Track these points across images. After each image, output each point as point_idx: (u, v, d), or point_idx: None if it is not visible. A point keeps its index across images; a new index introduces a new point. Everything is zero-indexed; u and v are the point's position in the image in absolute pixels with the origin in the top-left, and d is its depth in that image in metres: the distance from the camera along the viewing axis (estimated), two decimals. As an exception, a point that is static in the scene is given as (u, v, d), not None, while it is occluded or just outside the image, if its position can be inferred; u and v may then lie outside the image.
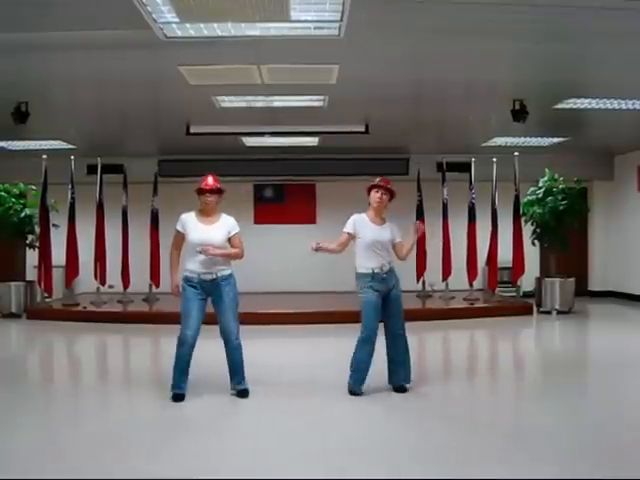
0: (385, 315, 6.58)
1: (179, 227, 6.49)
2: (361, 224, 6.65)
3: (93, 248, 12.95)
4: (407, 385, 6.65)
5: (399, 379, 6.64)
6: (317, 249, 6.61)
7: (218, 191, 6.52)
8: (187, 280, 6.38)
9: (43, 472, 4.41)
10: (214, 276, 6.33)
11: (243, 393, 6.44)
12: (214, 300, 6.40)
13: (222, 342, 6.46)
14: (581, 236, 15.25)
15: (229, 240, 6.46)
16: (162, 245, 13.28)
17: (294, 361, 8.46)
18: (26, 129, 10.23)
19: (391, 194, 6.83)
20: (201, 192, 6.47)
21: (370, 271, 6.49)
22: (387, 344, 6.65)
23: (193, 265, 6.36)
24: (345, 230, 6.67)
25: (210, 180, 6.52)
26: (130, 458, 4.75)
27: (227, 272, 6.40)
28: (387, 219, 6.88)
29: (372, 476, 4.40)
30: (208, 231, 6.37)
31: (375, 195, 6.75)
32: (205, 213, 6.50)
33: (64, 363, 9.40)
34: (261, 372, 7.12)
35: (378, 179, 6.83)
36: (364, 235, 6.58)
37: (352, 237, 6.63)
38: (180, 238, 6.50)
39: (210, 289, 6.35)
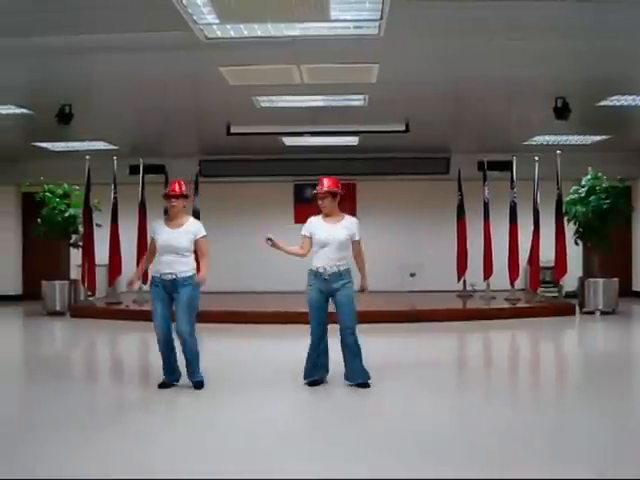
0: (336, 314, 6.71)
1: (151, 234, 6.88)
2: (315, 225, 6.74)
3: (135, 247, 13.08)
4: (364, 382, 6.70)
5: (347, 379, 6.77)
6: (272, 244, 6.70)
7: (183, 196, 6.80)
8: (153, 280, 6.72)
9: (78, 471, 4.47)
10: (174, 276, 6.57)
11: (197, 385, 6.69)
12: (174, 299, 6.65)
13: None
14: (625, 235, 15.01)
15: (195, 243, 6.72)
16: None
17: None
18: (70, 130, 10.41)
19: (332, 195, 6.73)
20: (167, 197, 6.77)
21: (315, 269, 6.65)
22: (340, 341, 6.75)
23: (157, 266, 6.68)
24: (302, 233, 6.81)
25: (176, 186, 6.81)
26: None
27: (188, 274, 6.62)
28: (347, 217, 6.87)
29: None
30: (173, 234, 6.65)
31: (319, 204, 6.76)
32: (172, 217, 6.78)
33: (107, 361, 9.50)
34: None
35: (322, 184, 6.75)
36: (317, 235, 6.67)
37: (310, 239, 6.74)
38: (153, 244, 6.80)
39: (171, 288, 6.60)
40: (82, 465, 4.51)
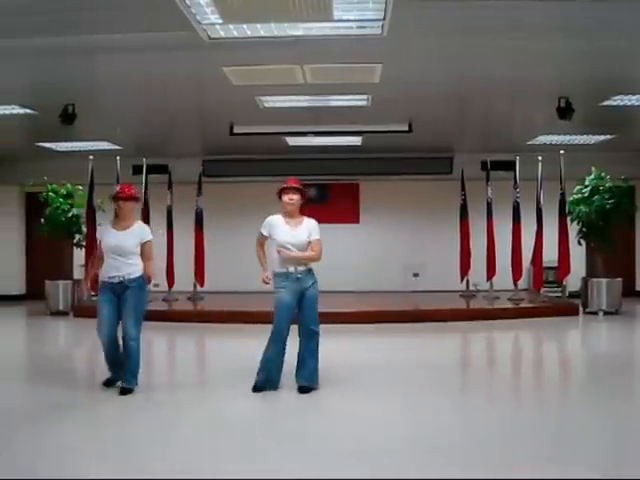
0: (300, 314, 6.63)
1: (98, 236, 6.93)
2: (275, 225, 6.65)
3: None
4: (311, 385, 6.60)
5: (302, 378, 6.63)
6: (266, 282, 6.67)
7: (132, 199, 6.81)
8: (101, 283, 6.70)
9: (83, 471, 4.48)
10: (121, 279, 6.55)
11: (124, 391, 6.52)
12: (120, 302, 6.59)
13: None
14: (628, 235, 14.99)
15: (141, 247, 6.71)
16: (206, 244, 13.43)
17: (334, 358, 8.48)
18: (73, 130, 10.41)
19: (302, 194, 6.74)
20: (116, 199, 6.78)
21: (285, 270, 6.55)
22: (300, 342, 6.68)
23: (105, 269, 6.67)
24: (261, 232, 6.74)
25: (125, 188, 6.84)
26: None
27: (135, 275, 6.61)
28: (306, 219, 6.79)
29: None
30: (119, 236, 6.65)
31: (285, 197, 6.66)
32: (120, 220, 6.79)
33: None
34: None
35: (291, 181, 6.76)
36: (277, 236, 6.59)
37: (266, 238, 6.71)
38: (99, 246, 6.85)
39: (118, 291, 6.57)
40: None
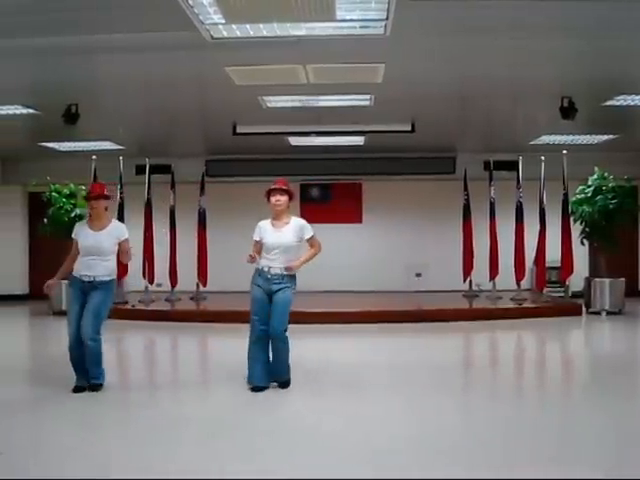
0: (269, 315, 6.63)
1: (74, 235, 6.84)
2: (264, 229, 6.79)
3: (141, 247, 13.10)
4: (279, 380, 6.73)
5: (274, 374, 6.72)
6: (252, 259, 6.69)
7: (104, 197, 6.82)
8: (72, 281, 6.75)
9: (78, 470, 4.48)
10: (92, 279, 6.58)
11: (94, 387, 6.59)
12: (87, 300, 6.58)
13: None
14: (631, 235, 14.97)
15: (118, 246, 6.76)
16: (209, 244, 13.44)
17: (332, 359, 8.48)
18: (76, 130, 10.41)
19: (289, 194, 6.85)
20: (88, 199, 6.90)
21: (260, 267, 6.70)
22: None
23: (77, 266, 6.70)
24: (254, 238, 6.83)
25: (96, 187, 6.93)
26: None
27: (106, 279, 6.65)
28: (293, 219, 6.89)
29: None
30: (96, 236, 6.67)
31: (272, 199, 6.78)
32: (94, 219, 6.81)
33: (112, 360, 9.51)
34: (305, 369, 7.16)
35: (277, 183, 6.87)
36: (265, 239, 6.72)
37: (259, 243, 6.77)
38: (76, 246, 6.78)
39: (87, 289, 6.59)
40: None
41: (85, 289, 6.60)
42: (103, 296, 6.59)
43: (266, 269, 6.64)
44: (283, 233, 6.69)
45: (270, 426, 5.58)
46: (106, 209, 6.91)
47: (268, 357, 6.69)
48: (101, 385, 6.64)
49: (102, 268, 6.61)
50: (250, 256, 6.62)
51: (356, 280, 14.79)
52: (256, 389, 6.57)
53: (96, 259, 6.60)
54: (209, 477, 4.37)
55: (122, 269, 12.94)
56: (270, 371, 6.70)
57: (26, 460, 4.65)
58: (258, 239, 6.76)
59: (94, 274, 6.57)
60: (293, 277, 6.74)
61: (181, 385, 7.41)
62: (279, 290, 6.62)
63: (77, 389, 6.56)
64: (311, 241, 6.80)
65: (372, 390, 6.82)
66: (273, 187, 6.79)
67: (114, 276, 6.76)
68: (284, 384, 6.74)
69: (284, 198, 6.76)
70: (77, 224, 7.02)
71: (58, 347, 10.41)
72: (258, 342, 6.64)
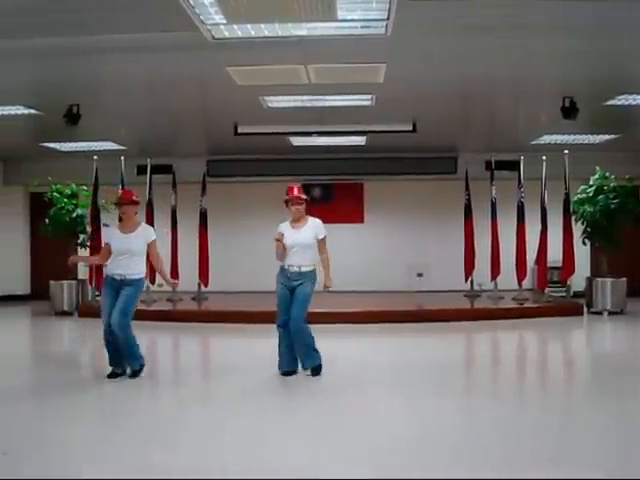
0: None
1: (104, 239, 7.51)
2: (284, 230, 7.31)
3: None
4: (303, 368, 7.27)
5: (304, 364, 7.26)
6: (278, 240, 7.20)
7: (133, 203, 7.35)
8: (105, 278, 7.33)
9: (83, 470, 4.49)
10: (122, 277, 7.11)
11: (133, 373, 7.21)
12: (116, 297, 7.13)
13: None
14: (633, 235, 14.92)
15: (147, 247, 7.27)
16: (210, 244, 13.44)
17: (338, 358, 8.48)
18: (77, 131, 10.42)
19: (306, 201, 7.38)
20: (118, 205, 7.32)
21: (284, 265, 7.26)
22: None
23: (110, 266, 7.25)
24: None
25: (126, 194, 7.42)
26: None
27: (135, 277, 7.18)
28: (310, 219, 7.43)
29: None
30: (125, 239, 7.17)
31: (292, 208, 7.33)
32: (124, 223, 7.33)
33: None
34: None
35: (294, 191, 7.33)
36: (286, 239, 7.22)
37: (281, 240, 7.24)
38: (107, 249, 7.30)
39: (118, 287, 7.12)
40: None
41: (117, 286, 7.12)
42: (132, 292, 7.11)
43: (286, 267, 7.21)
44: (301, 233, 7.23)
45: (269, 426, 5.58)
46: (135, 213, 7.40)
47: (292, 345, 7.21)
48: (139, 371, 7.21)
49: (132, 267, 7.12)
50: (279, 235, 7.19)
51: (357, 280, 14.76)
52: (285, 374, 7.18)
53: (127, 259, 7.10)
54: (209, 477, 4.37)
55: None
56: (296, 359, 7.28)
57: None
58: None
59: (125, 272, 7.09)
60: (312, 273, 7.24)
61: (185, 382, 7.42)
62: (299, 286, 7.15)
63: (112, 375, 7.14)
64: (322, 242, 7.35)
65: (373, 390, 6.82)
66: (291, 198, 7.27)
67: (143, 275, 7.28)
68: (316, 370, 7.23)
69: (302, 206, 7.30)
70: (107, 229, 7.63)
71: (60, 347, 10.50)
72: (283, 333, 7.20)
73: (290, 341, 7.17)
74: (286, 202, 7.32)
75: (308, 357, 7.22)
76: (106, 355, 7.23)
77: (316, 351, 7.26)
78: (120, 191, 7.49)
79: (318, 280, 7.31)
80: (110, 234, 7.35)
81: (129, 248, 7.11)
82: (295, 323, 7.09)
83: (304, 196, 7.33)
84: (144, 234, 7.27)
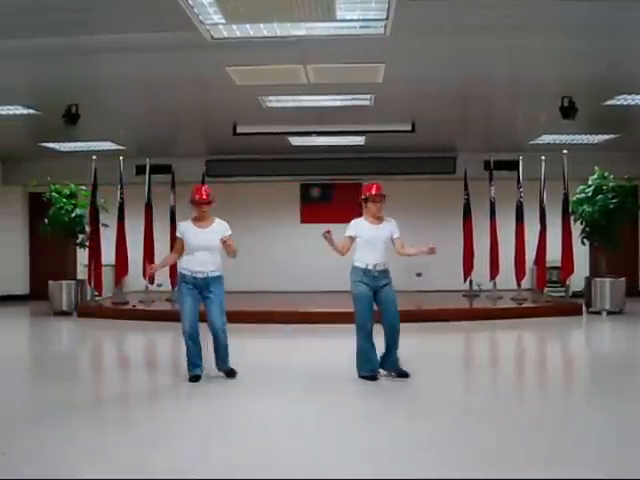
0: (380, 309, 7.17)
1: (178, 234, 7.30)
2: (360, 227, 7.26)
3: (142, 247, 13.12)
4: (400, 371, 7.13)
5: (389, 364, 7.17)
6: (326, 236, 7.10)
7: (209, 203, 7.28)
8: (183, 278, 7.15)
9: (86, 471, 4.49)
10: (206, 275, 7.05)
11: (230, 373, 7.19)
12: (204, 297, 7.11)
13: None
14: (632, 235, 14.98)
15: (223, 242, 7.16)
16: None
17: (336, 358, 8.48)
18: (76, 130, 10.41)
19: (384, 198, 7.31)
20: (197, 204, 7.23)
21: (364, 266, 7.10)
22: (384, 334, 7.17)
23: (188, 264, 7.12)
24: (347, 234, 7.31)
25: (203, 194, 7.26)
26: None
27: (217, 273, 7.15)
28: (391, 217, 7.44)
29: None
30: (202, 234, 7.14)
31: (374, 206, 7.26)
32: (200, 219, 7.26)
33: (112, 360, 9.53)
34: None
35: (375, 189, 7.30)
36: (363, 235, 7.17)
37: (353, 240, 7.25)
38: (180, 243, 7.24)
39: (202, 286, 7.07)
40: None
41: (198, 285, 7.05)
42: (221, 289, 7.15)
43: (371, 267, 7.10)
44: (381, 229, 7.23)
45: (269, 425, 5.58)
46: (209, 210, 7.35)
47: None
48: (234, 371, 7.21)
49: (212, 264, 7.09)
50: (327, 231, 7.11)
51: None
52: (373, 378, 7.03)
53: (205, 255, 7.05)
54: (208, 477, 4.38)
55: (121, 270, 13.07)
56: (386, 363, 7.21)
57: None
58: (353, 235, 7.23)
59: (207, 269, 7.04)
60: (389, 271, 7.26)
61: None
62: (385, 285, 7.18)
63: (193, 378, 7.03)
64: (400, 240, 7.39)
65: (371, 389, 6.81)
66: (372, 195, 7.22)
67: (222, 271, 7.20)
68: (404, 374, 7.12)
69: (383, 204, 7.27)
70: (181, 223, 7.40)
71: (60, 347, 10.50)
72: (362, 332, 7.12)
73: (371, 340, 7.12)
74: (365, 200, 7.27)
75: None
76: (184, 360, 7.14)
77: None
78: (194, 189, 7.27)
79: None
80: (185, 229, 7.23)
81: (206, 244, 7.05)
82: (395, 325, 7.13)
83: (384, 193, 7.27)
84: (220, 229, 7.23)
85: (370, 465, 4.57)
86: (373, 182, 7.38)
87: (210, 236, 7.10)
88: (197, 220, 7.25)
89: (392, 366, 7.16)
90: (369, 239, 7.10)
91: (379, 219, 7.27)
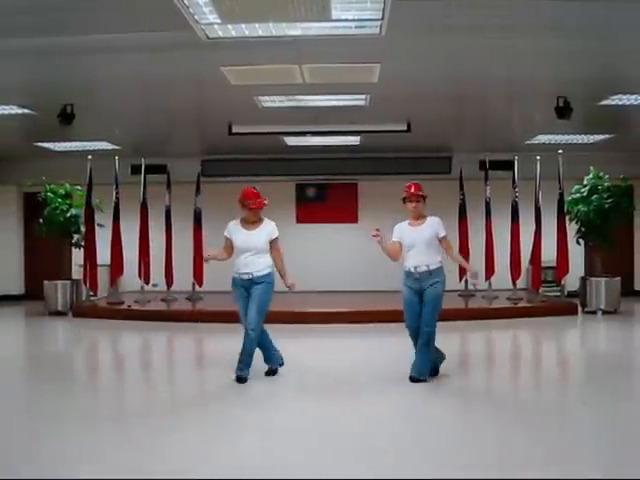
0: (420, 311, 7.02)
1: (227, 234, 7.28)
2: (401, 230, 7.19)
3: (137, 247, 13.11)
4: (418, 377, 6.90)
5: (413, 369, 6.97)
6: (377, 235, 6.96)
7: (260, 208, 7.25)
8: (233, 281, 7.19)
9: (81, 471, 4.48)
10: (251, 276, 7.04)
11: (271, 372, 7.32)
12: (248, 296, 7.09)
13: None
14: (627, 235, 14.99)
15: (270, 243, 7.16)
16: (205, 244, 13.41)
17: (336, 358, 8.48)
18: (72, 130, 10.39)
19: (424, 198, 7.23)
20: (250, 209, 7.20)
21: (407, 269, 7.06)
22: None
23: (236, 266, 7.14)
24: (392, 239, 7.18)
25: (257, 201, 7.23)
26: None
27: (263, 272, 7.07)
28: (429, 215, 7.28)
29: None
30: (249, 235, 7.12)
31: (410, 205, 7.18)
32: (249, 220, 7.23)
33: (108, 360, 9.52)
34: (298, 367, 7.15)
35: (412, 188, 7.25)
36: (404, 238, 7.11)
37: (400, 244, 7.13)
38: (228, 244, 7.26)
39: (247, 286, 7.07)
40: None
41: (246, 285, 7.08)
42: (264, 289, 7.05)
43: (412, 269, 7.01)
44: (420, 231, 7.09)
45: (268, 425, 5.59)
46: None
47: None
48: (276, 370, 7.34)
49: (258, 264, 7.05)
50: (376, 230, 6.99)
51: (352, 280, 14.77)
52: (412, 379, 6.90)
53: (251, 256, 7.04)
54: (207, 477, 4.37)
55: (116, 270, 13.04)
56: (412, 367, 7.04)
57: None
58: (397, 239, 7.16)
59: (252, 270, 7.02)
60: (440, 270, 7.12)
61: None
62: (430, 287, 7.02)
63: (238, 379, 6.96)
64: (446, 241, 7.25)
65: (369, 390, 6.82)
66: (409, 195, 7.16)
67: (271, 269, 7.14)
68: (417, 380, 6.92)
69: (420, 203, 7.17)
70: (230, 223, 7.36)
71: (55, 347, 10.49)
72: (413, 337, 7.11)
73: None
74: (404, 199, 7.20)
75: (423, 366, 7.02)
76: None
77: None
78: (247, 192, 7.29)
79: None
80: (233, 230, 7.24)
81: (254, 246, 7.06)
82: (424, 326, 7.06)
83: (422, 193, 7.20)
84: (268, 230, 7.18)
85: (367, 465, 4.58)
86: (412, 182, 7.32)
87: (256, 238, 7.10)
88: (245, 222, 7.25)
89: (416, 371, 6.99)
90: (410, 241, 7.05)
91: (420, 219, 7.19)
